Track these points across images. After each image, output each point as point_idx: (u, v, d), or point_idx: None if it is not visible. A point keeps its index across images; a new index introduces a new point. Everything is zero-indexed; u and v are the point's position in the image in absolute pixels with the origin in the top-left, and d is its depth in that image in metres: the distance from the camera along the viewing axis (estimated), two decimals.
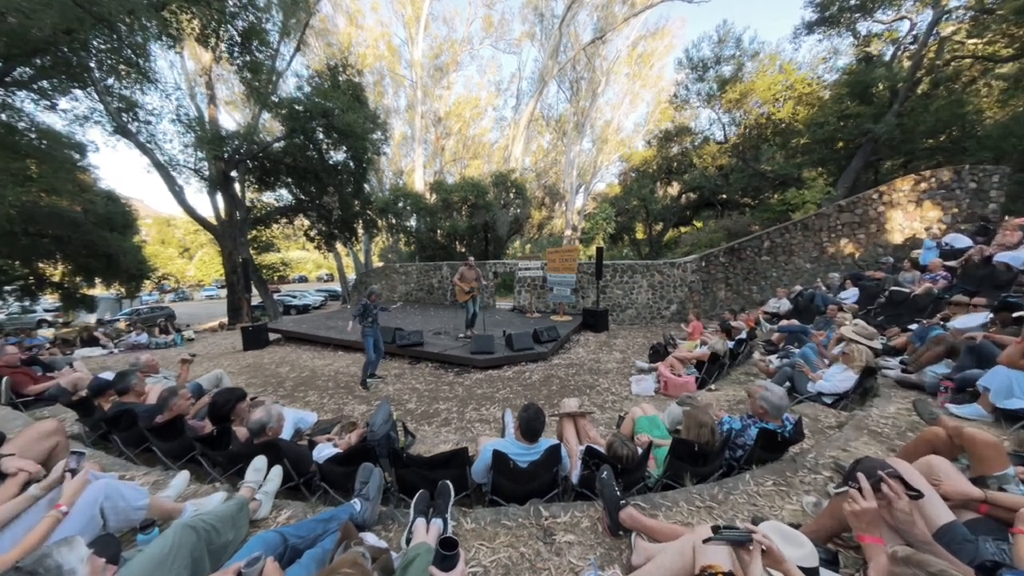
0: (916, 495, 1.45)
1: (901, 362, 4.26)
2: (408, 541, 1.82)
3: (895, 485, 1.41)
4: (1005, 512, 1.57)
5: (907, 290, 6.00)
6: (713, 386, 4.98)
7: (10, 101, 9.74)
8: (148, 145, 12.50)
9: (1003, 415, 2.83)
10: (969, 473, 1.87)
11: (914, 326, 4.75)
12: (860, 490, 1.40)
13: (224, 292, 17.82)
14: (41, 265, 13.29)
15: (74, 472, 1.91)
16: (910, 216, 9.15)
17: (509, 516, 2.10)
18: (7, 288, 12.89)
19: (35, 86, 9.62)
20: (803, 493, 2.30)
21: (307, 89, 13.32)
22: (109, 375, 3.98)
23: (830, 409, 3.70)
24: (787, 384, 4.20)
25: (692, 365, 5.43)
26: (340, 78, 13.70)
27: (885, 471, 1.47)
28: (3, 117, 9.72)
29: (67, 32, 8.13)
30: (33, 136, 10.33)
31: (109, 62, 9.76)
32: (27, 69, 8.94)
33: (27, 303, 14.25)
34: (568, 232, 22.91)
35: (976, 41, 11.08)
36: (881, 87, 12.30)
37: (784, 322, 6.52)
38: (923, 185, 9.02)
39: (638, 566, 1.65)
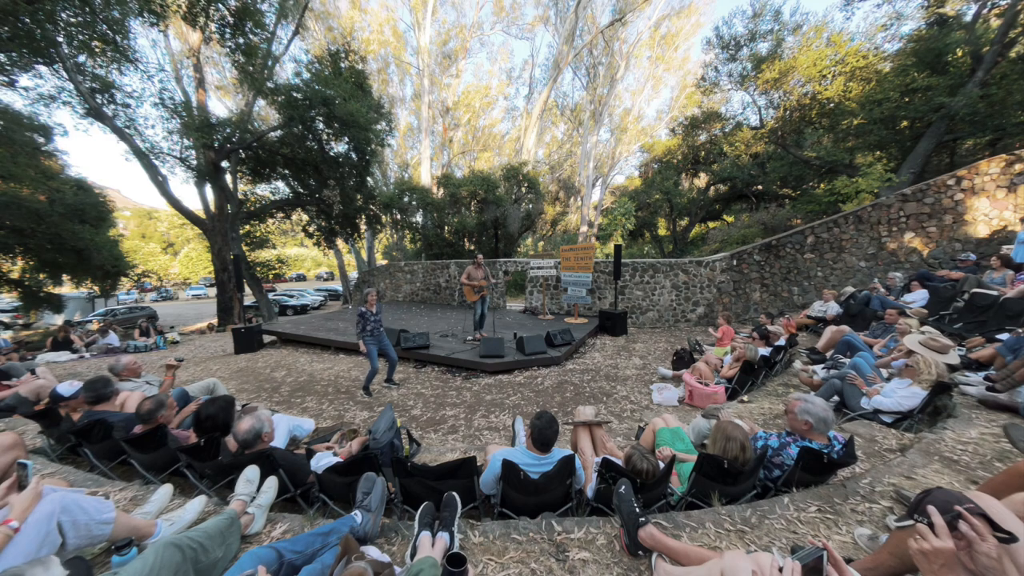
0: (1008, 539, 1.31)
1: (986, 378, 3.95)
2: (413, 555, 1.82)
3: (979, 524, 1.30)
4: None
5: (995, 292, 5.59)
6: (745, 397, 4.89)
7: None
8: (126, 130, 12.29)
9: None
10: None
11: (1004, 336, 4.42)
12: (931, 526, 1.31)
13: (213, 291, 18.12)
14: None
15: (22, 485, 1.85)
16: (999, 204, 8.28)
17: (519, 530, 2.10)
18: None
19: None
20: (855, 524, 2.20)
21: (306, 75, 13.38)
22: (74, 384, 3.84)
23: (890, 429, 3.51)
24: (835, 398, 4.07)
25: (719, 374, 5.36)
26: (342, 65, 13.86)
27: (965, 506, 1.36)
28: None
29: (28, 1, 7.81)
30: None
31: (80, 37, 9.34)
32: None
33: None
34: (584, 229, 22.83)
35: None
36: (960, 53, 11.28)
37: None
38: (1018, 167, 8.09)
39: None
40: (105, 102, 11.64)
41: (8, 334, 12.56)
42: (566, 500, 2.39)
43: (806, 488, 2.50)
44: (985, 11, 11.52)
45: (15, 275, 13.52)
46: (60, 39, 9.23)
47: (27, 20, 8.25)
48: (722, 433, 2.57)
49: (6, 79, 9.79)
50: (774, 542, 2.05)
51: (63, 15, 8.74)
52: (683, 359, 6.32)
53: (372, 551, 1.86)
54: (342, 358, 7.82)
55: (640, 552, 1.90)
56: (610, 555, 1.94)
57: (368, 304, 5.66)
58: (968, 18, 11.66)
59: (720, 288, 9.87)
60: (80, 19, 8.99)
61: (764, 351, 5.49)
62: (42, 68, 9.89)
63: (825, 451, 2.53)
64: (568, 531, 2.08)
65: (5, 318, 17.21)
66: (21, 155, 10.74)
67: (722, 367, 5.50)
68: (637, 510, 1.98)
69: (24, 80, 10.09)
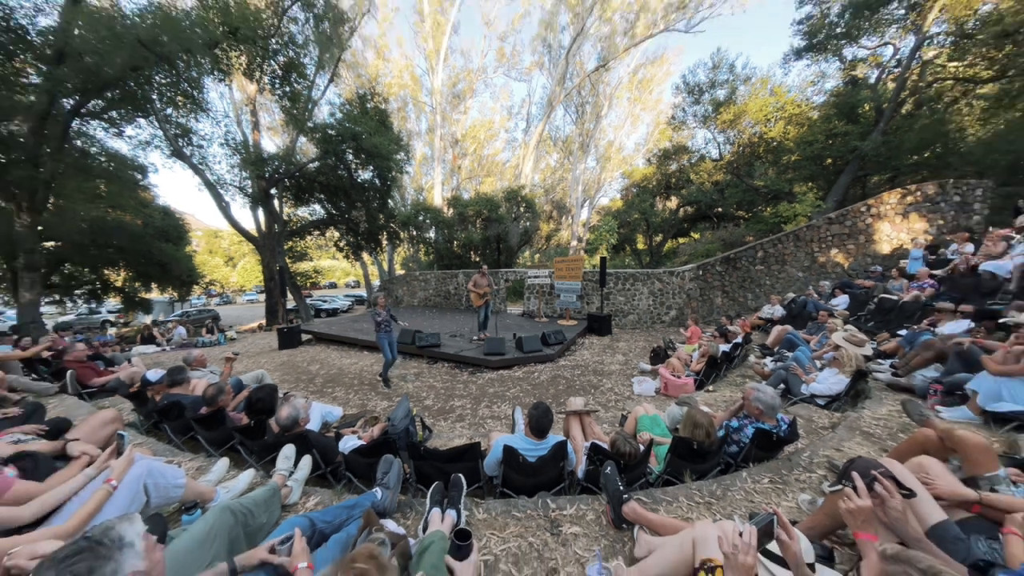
0: (908, 494, 1.42)
1: (891, 366, 4.14)
2: (425, 529, 1.81)
3: (888, 484, 1.37)
4: (997, 513, 1.53)
5: (895, 297, 5.86)
6: (711, 387, 4.86)
7: (85, 129, 10.29)
8: (200, 166, 12.98)
9: (992, 418, 2.73)
10: (960, 474, 1.80)
11: (903, 332, 4.65)
12: (855, 489, 1.36)
13: (263, 297, 18.20)
14: (106, 272, 13.91)
15: (120, 451, 1.95)
16: (897, 228, 9.09)
17: (518, 508, 2.09)
18: (77, 292, 13.47)
19: (105, 116, 10.15)
20: (798, 491, 2.24)
21: (339, 115, 13.63)
22: (158, 371, 4.07)
23: (823, 411, 3.60)
24: (782, 386, 4.09)
25: (689, 367, 5.32)
26: (368, 105, 14.02)
27: (878, 471, 1.45)
28: (79, 144, 10.24)
29: (134, 69, 8.59)
30: (103, 160, 10.94)
31: (168, 94, 10.23)
32: (99, 101, 9.46)
33: (93, 305, 14.97)
34: (574, 243, 22.85)
35: (957, 64, 11.04)
36: (867, 108, 12.32)
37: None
38: (909, 198, 8.99)
39: (640, 558, 1.62)
40: (185, 144, 12.39)
41: (113, 330, 13.10)
42: (559, 480, 2.38)
43: (759, 463, 2.52)
44: (884, 76, 12.72)
45: (118, 283, 14.44)
46: (154, 96, 10.11)
47: (132, 84, 9.03)
48: (691, 420, 2.57)
49: (116, 130, 10.76)
50: (736, 511, 2.06)
51: (157, 78, 9.53)
52: (659, 355, 6.29)
53: (390, 524, 1.85)
54: (366, 354, 7.80)
55: (624, 525, 1.90)
56: (598, 528, 1.94)
57: (378, 306, 5.70)
58: (872, 80, 12.89)
59: (689, 294, 9.86)
60: (168, 80, 9.78)
61: (725, 347, 5.51)
62: (141, 120, 10.85)
63: (774, 431, 2.56)
64: (561, 508, 2.07)
65: (111, 317, 18.09)
66: (125, 189, 11.86)
67: (691, 362, 5.49)
68: (621, 488, 1.97)
69: (128, 130, 11.10)
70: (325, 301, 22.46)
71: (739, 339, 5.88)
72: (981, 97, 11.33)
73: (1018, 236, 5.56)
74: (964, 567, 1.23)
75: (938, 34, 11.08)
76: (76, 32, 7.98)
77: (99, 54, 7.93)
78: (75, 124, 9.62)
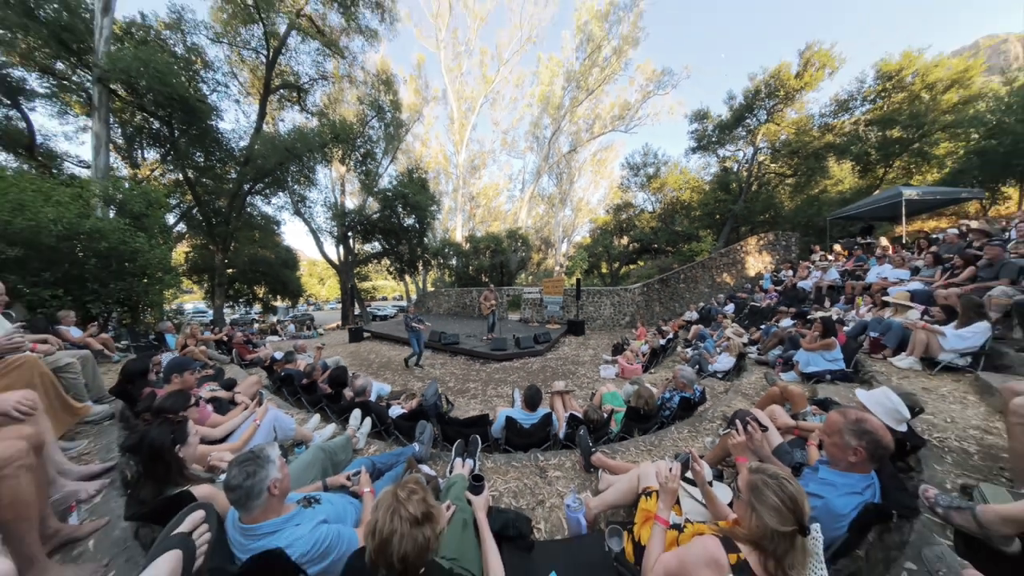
0: (764, 429, 1.52)
1: (756, 350, 4.34)
2: (450, 472, 1.81)
3: (754, 424, 1.44)
4: (806, 433, 1.75)
5: (758, 304, 6.25)
6: (653, 370, 4.84)
7: (250, 200, 11.65)
8: (308, 219, 13.95)
9: (805, 377, 3.01)
10: (790, 412, 1.99)
11: (763, 326, 4.89)
12: (736, 430, 1.44)
13: (340, 305, 18.46)
14: (255, 288, 15.48)
15: (260, 403, 2.14)
16: (756, 260, 10.14)
17: (516, 459, 2.10)
18: (240, 300, 15.41)
19: (262, 192, 11.48)
20: (705, 436, 2.31)
21: (394, 183, 14.25)
22: (279, 353, 4.53)
23: (721, 381, 3.75)
24: (696, 366, 4.14)
25: (639, 357, 5.30)
26: (413, 175, 14.60)
27: (748, 416, 1.51)
28: (247, 210, 11.94)
29: (280, 164, 9.84)
30: (258, 218, 13.02)
31: (297, 177, 11.27)
32: (259, 184, 10.74)
33: (247, 309, 16.75)
34: (557, 268, 22.95)
35: (774, 164, 13.14)
36: (734, 185, 13.89)
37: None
38: (761, 242, 10.17)
39: (602, 490, 1.63)
40: (302, 206, 13.46)
41: (256, 326, 14.02)
42: (546, 440, 2.39)
43: (682, 420, 2.57)
44: (741, 167, 14.44)
45: (260, 295, 16.00)
46: (288, 179, 11.09)
47: (279, 172, 10.30)
48: (638, 394, 2.59)
49: (266, 200, 12.29)
50: (667, 453, 2.09)
51: (291, 167, 10.70)
52: (618, 349, 6.26)
53: (425, 468, 1.88)
54: (407, 349, 7.68)
55: (591, 469, 1.91)
56: (573, 472, 1.96)
57: (409, 311, 5.90)
58: (735, 169, 14.65)
59: (638, 305, 9.89)
60: (297, 168, 10.78)
61: (662, 342, 5.51)
62: (280, 193, 12.05)
63: (692, 398, 2.62)
64: (547, 459, 2.08)
65: (256, 317, 19.48)
66: (269, 235, 14.23)
67: (640, 353, 5.46)
68: (590, 444, 1.98)
69: (273, 200, 12.40)
70: (379, 309, 22.39)
71: (671, 336, 5.91)
72: (788, 185, 13.05)
73: (812, 267, 6.39)
74: (789, 468, 1.37)
75: (763, 147, 13.12)
76: (256, 147, 9.40)
77: (265, 157, 9.34)
78: (248, 199, 11.23)
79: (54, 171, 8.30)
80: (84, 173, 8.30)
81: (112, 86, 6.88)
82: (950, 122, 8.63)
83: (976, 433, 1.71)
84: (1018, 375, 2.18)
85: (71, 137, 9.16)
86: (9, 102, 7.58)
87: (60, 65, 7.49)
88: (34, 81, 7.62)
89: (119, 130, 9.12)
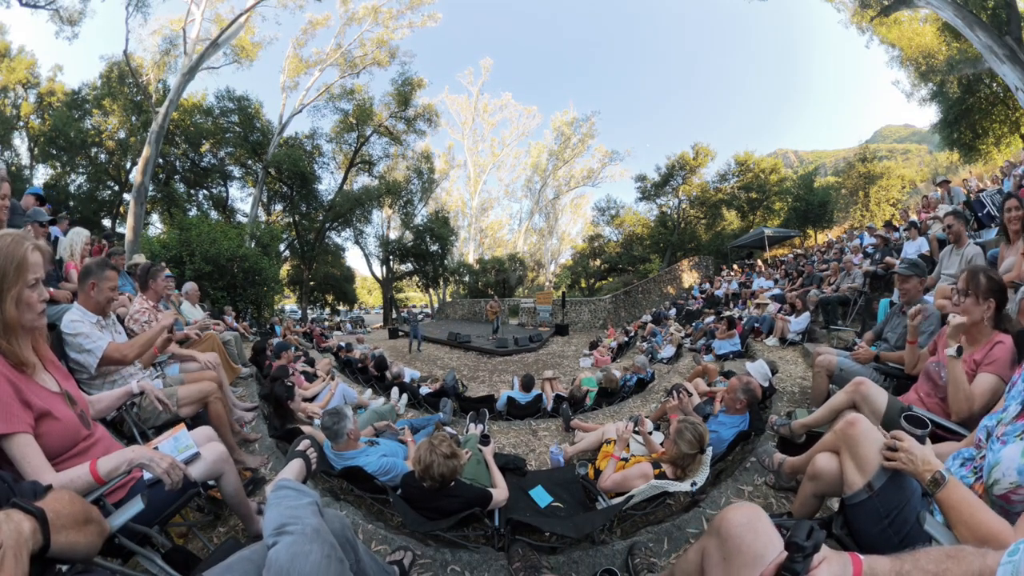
0: (690, 395, 1.69)
1: (689, 340, 4.47)
2: (466, 432, 1.91)
3: (683, 393, 1.61)
4: (712, 393, 1.87)
5: (691, 308, 6.52)
6: (619, 360, 4.89)
7: (330, 235, 13.87)
8: (363, 246, 15.37)
9: (719, 357, 3.19)
10: (707, 381, 2.16)
11: (695, 323, 5.09)
12: (672, 397, 1.60)
13: (382, 311, 18.88)
14: (327, 296, 17.19)
15: (333, 377, 2.38)
16: (689, 275, 11.07)
17: (515, 424, 2.24)
18: (318, 304, 17.03)
19: (335, 228, 13.60)
20: (652, 403, 2.41)
21: (425, 220, 15.25)
22: (342, 344, 4.78)
23: (666, 365, 3.89)
24: (650, 356, 4.27)
25: (609, 351, 5.36)
26: (439, 215, 15.65)
27: (681, 388, 1.69)
28: (325, 240, 13.90)
29: (350, 210, 12.13)
30: (331, 246, 15.19)
31: (359, 216, 13.35)
32: (336, 223, 12.93)
33: (322, 311, 18.22)
34: (547, 283, 23.20)
35: (693, 210, 14.50)
36: (669, 224, 14.89)
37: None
38: (690, 263, 11.39)
39: (577, 442, 1.73)
40: (361, 239, 15.10)
41: (327, 323, 14.80)
42: (538, 412, 2.46)
43: (637, 394, 2.67)
44: (673, 210, 15.09)
45: (329, 301, 17.59)
46: (354, 219, 13.38)
47: (349, 215, 12.64)
48: (606, 377, 2.68)
49: (337, 233, 14.38)
50: (624, 417, 2.15)
51: (357, 211, 12.85)
52: (594, 345, 6.16)
53: (449, 429, 1.95)
54: (429, 346, 7.74)
55: (570, 431, 1.98)
56: (557, 432, 2.08)
57: (412, 316, 6.22)
58: (670, 211, 15.28)
59: (609, 311, 9.96)
60: (360, 212, 13.02)
61: (626, 338, 5.61)
62: (348, 230, 14.15)
63: (645, 378, 2.75)
64: (538, 424, 2.19)
65: (327, 316, 20.00)
66: (339, 259, 16.41)
67: (610, 348, 5.52)
68: (570, 414, 2.08)
69: (344, 234, 14.73)
70: (410, 314, 22.42)
71: (632, 334, 6.01)
72: (703, 224, 14.41)
73: (723, 280, 7.01)
74: (701, 417, 1.50)
75: (683, 199, 14.52)
76: (337, 199, 11.83)
77: (342, 205, 11.69)
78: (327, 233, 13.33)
79: (232, 220, 11.78)
80: (244, 220, 11.88)
81: (270, 169, 11.10)
82: (777, 191, 12.39)
83: (801, 381, 2.11)
84: (821, 343, 2.61)
85: (244, 200, 13.28)
86: (223, 183, 12.35)
87: (249, 161, 11.91)
88: (236, 170, 12.43)
89: (265, 192, 12.51)
